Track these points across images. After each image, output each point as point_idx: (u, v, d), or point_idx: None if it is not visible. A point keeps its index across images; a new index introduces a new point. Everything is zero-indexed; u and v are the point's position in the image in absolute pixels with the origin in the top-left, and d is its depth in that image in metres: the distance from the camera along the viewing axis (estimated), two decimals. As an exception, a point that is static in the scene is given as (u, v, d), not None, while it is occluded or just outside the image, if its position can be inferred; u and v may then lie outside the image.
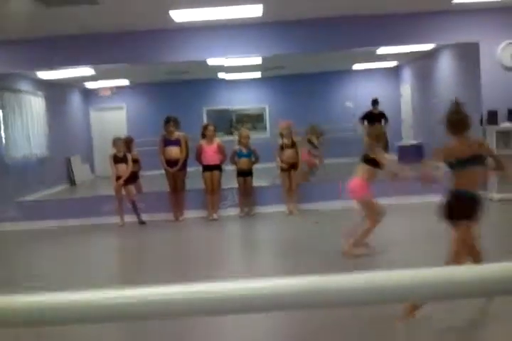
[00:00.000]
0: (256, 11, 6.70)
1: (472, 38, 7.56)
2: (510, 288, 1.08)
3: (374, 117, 10.43)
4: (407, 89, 11.68)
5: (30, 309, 1.10)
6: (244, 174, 7.49)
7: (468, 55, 7.97)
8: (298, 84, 11.55)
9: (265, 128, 11.98)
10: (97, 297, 1.10)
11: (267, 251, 5.92)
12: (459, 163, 3.34)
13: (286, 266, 4.96)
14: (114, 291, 1.11)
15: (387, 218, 5.07)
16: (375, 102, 10.49)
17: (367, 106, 10.92)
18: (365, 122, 10.40)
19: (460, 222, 3.30)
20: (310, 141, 8.46)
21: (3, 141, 8.56)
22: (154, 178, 8.58)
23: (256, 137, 10.64)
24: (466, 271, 1.11)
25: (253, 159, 7.54)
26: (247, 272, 4.84)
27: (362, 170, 4.99)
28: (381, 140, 5.05)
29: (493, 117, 7.44)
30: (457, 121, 3.51)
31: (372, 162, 4.92)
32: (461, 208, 3.32)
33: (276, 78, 11.62)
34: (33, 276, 5.06)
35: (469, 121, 3.53)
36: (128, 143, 7.81)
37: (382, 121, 10.39)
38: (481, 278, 1.08)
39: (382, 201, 5.41)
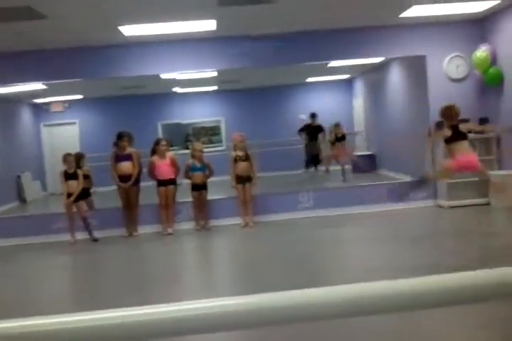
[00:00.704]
0: (210, 25, 6.71)
1: (419, 51, 7.78)
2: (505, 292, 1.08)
3: (312, 129, 10.81)
4: (359, 101, 11.91)
5: None
6: (199, 188, 7.44)
7: (416, 68, 8.22)
8: (253, 97, 11.64)
9: (221, 141, 11.99)
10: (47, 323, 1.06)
11: (224, 265, 5.88)
12: None
13: (246, 280, 4.91)
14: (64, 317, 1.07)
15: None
16: (313, 115, 10.99)
17: (321, 119, 11.10)
18: (304, 134, 10.83)
19: None
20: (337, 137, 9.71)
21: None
22: (108, 194, 8.43)
23: (212, 150, 10.66)
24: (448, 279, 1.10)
25: (207, 173, 7.50)
26: (206, 288, 4.76)
27: (465, 145, 5.64)
28: (452, 117, 5.73)
29: (440, 128, 7.63)
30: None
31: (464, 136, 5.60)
32: None
33: (232, 91, 11.69)
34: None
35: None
36: (78, 158, 7.64)
37: (320, 133, 10.82)
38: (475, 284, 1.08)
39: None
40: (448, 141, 5.65)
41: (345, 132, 10.42)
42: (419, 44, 7.72)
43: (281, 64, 7.96)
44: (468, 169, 5.74)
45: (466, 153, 5.58)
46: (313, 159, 11.05)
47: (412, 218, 7.18)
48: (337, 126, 10.38)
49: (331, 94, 12.29)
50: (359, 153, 11.38)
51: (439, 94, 7.73)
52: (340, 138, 10.28)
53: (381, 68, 10.24)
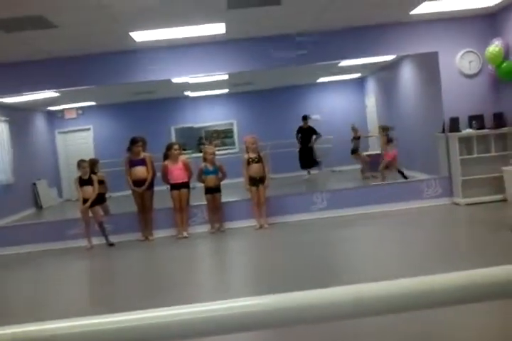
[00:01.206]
0: (219, 28, 6.73)
1: (431, 47, 7.72)
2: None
3: (304, 132, 10.80)
4: (371, 99, 11.83)
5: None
6: (212, 191, 7.45)
7: (429, 65, 8.13)
8: (265, 98, 11.62)
9: (234, 143, 11.99)
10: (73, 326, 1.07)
11: (240, 267, 5.87)
12: None
13: (263, 282, 4.89)
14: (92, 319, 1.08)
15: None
16: (304, 118, 11.01)
17: (334, 119, 11.06)
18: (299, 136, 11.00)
19: None
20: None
21: (-34, 167, 8.38)
22: (122, 199, 8.47)
23: (225, 152, 10.67)
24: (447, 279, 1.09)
25: (220, 175, 7.51)
26: (222, 290, 4.75)
27: None
28: None
29: (454, 124, 7.56)
30: None
31: None
32: None
33: (243, 94, 11.68)
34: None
35: None
36: (92, 164, 7.70)
37: (313, 135, 10.84)
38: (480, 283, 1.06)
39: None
40: None
41: (358, 135, 10.49)
42: (431, 40, 7.67)
43: (292, 65, 7.94)
44: None
45: None
46: (305, 162, 11.03)
47: (428, 216, 7.10)
48: (353, 129, 10.50)
49: (342, 94, 12.22)
50: (372, 153, 11.29)
51: (452, 90, 7.68)
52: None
53: (393, 66, 10.16)
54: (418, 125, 9.39)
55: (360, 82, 12.23)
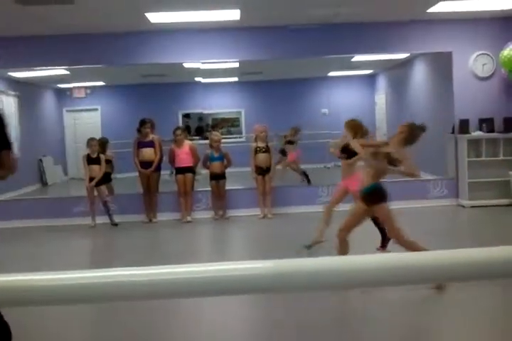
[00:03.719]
0: (233, 15, 6.72)
1: (445, 47, 7.71)
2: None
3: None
4: (381, 97, 11.83)
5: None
6: (217, 177, 7.48)
7: (442, 65, 8.13)
8: (274, 89, 11.60)
9: (241, 132, 12.00)
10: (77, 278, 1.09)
11: (240, 250, 5.95)
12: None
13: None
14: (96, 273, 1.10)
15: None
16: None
17: (342, 114, 11.02)
18: None
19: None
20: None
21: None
22: (128, 180, 8.50)
23: (231, 141, 10.67)
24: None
25: (225, 163, 7.54)
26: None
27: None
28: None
29: (464, 126, 7.58)
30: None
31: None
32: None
33: (253, 83, 11.66)
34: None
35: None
36: (103, 144, 7.73)
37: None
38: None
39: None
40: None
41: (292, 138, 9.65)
42: (446, 40, 7.66)
43: (305, 57, 7.95)
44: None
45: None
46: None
47: (432, 216, 7.14)
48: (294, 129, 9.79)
49: (352, 89, 12.21)
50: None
51: (464, 92, 7.69)
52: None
53: (405, 64, 10.15)
54: (428, 125, 9.36)
55: (371, 79, 12.22)
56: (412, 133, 4.04)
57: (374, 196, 3.95)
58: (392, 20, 7.42)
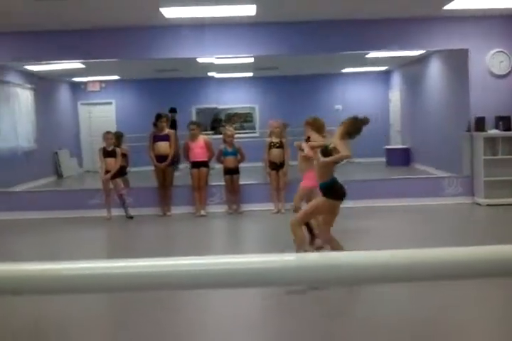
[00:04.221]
0: (249, 10, 6.72)
1: (462, 44, 7.67)
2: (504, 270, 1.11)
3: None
4: (396, 94, 11.80)
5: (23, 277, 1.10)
6: (231, 172, 7.52)
7: (458, 62, 8.09)
8: (289, 85, 11.61)
9: (254, 127, 12.02)
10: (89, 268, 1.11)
11: (254, 245, 5.97)
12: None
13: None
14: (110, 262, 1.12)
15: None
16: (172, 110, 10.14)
17: (356, 111, 11.00)
18: None
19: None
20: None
21: (-10, 132, 8.50)
22: (141, 174, 8.57)
23: (245, 136, 10.70)
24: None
25: (239, 157, 7.58)
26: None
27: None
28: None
29: (480, 124, 7.55)
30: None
31: None
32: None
33: (267, 78, 11.67)
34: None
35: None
36: (118, 137, 7.80)
37: None
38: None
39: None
40: None
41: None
42: (463, 37, 7.60)
43: (320, 52, 7.94)
44: None
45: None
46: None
47: (447, 214, 7.12)
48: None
49: (366, 86, 12.20)
50: (393, 147, 11.30)
51: (480, 89, 7.64)
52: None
53: (420, 61, 10.11)
54: (443, 122, 9.37)
55: (385, 75, 12.18)
56: (354, 126, 4.06)
57: (330, 191, 4.07)
58: (407, 16, 7.39)
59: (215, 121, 12.27)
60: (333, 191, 4.08)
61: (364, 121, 4.12)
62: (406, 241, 5.59)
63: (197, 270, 1.09)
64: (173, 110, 10.08)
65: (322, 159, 4.04)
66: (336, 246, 4.08)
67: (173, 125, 9.10)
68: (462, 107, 7.93)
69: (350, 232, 6.25)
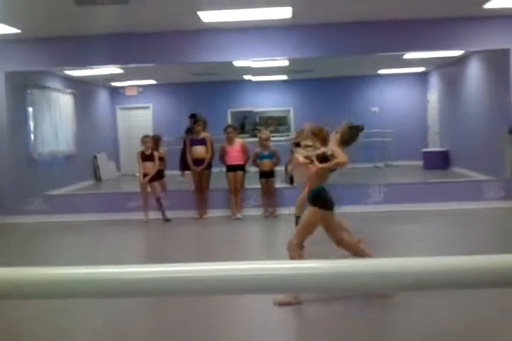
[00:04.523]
0: (285, 13, 6.72)
1: (502, 44, 7.47)
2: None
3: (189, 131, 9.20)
4: (434, 95, 11.60)
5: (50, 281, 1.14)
6: (267, 175, 7.52)
7: (499, 62, 7.90)
8: (324, 87, 11.55)
9: (289, 130, 12.00)
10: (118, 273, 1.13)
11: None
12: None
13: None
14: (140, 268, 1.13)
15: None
16: (192, 116, 9.77)
17: (394, 112, 10.88)
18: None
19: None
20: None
21: (32, 137, 8.73)
22: (177, 177, 8.67)
23: (279, 139, 10.69)
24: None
25: (274, 160, 7.57)
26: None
27: None
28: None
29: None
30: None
31: None
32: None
33: (301, 81, 11.65)
34: (52, 264, 5.12)
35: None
36: (156, 141, 7.91)
37: None
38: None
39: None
40: None
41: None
42: (503, 37, 7.40)
43: (356, 54, 7.85)
44: None
45: None
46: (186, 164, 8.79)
47: (486, 219, 6.93)
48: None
49: (404, 88, 12.03)
50: (431, 150, 11.10)
51: (523, 91, 7.44)
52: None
53: (460, 62, 9.92)
54: (483, 124, 9.15)
55: (423, 77, 12.00)
56: (348, 134, 3.96)
57: (319, 199, 3.93)
58: (446, 16, 7.25)
59: (250, 125, 12.31)
60: (323, 199, 3.92)
61: (359, 129, 4.03)
62: (443, 247, 5.48)
63: (232, 275, 1.10)
64: (193, 116, 9.97)
65: (319, 165, 3.94)
66: (296, 257, 3.89)
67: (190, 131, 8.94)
68: (503, 109, 7.73)
69: (386, 237, 6.18)
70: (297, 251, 3.95)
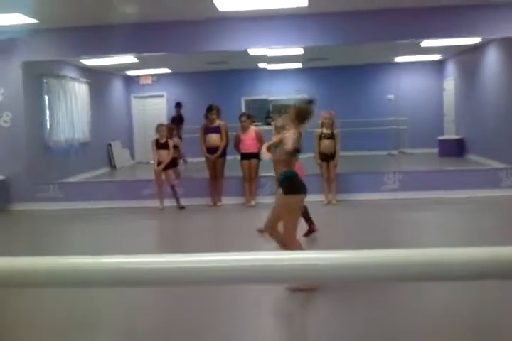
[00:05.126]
0: (302, 1, 6.66)
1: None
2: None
3: (175, 121, 10.07)
4: (450, 83, 11.47)
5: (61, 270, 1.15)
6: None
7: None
8: (338, 75, 11.48)
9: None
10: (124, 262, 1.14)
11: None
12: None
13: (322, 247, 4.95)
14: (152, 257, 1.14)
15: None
16: (177, 105, 10.25)
17: (409, 100, 10.78)
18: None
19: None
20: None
21: (48, 125, 8.80)
22: (193, 165, 8.70)
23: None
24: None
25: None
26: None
27: None
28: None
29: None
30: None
31: None
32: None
33: (316, 69, 11.57)
34: (68, 251, 5.19)
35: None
36: (170, 130, 7.94)
37: (181, 125, 10.03)
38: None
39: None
40: None
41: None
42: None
43: (372, 41, 7.77)
44: None
45: None
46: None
47: (503, 207, 6.87)
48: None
49: (420, 75, 11.90)
50: (447, 137, 11.00)
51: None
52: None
53: (477, 50, 9.77)
54: (500, 112, 9.03)
55: (439, 64, 11.86)
56: (299, 110, 3.94)
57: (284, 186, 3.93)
58: (464, 3, 7.14)
59: (262, 113, 12.28)
60: (288, 186, 3.90)
61: (309, 101, 4.02)
62: (457, 235, 5.45)
63: (254, 265, 1.12)
64: (178, 105, 10.06)
65: (266, 155, 4.06)
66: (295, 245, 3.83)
67: (180, 120, 9.00)
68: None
69: (401, 224, 6.16)
70: (295, 241, 3.95)
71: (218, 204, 7.57)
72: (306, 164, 8.12)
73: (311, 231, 5.46)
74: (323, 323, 3.39)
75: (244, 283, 1.18)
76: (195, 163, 8.66)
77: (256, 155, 7.53)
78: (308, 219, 5.47)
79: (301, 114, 3.95)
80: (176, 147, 7.88)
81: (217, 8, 6.76)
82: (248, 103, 12.15)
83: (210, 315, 3.54)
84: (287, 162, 3.96)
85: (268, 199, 7.57)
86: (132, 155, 11.70)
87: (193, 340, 3.20)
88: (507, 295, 3.55)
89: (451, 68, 11.75)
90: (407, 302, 3.62)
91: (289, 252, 1.17)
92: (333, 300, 3.69)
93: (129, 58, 8.95)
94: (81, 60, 9.33)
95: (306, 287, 3.79)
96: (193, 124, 8.29)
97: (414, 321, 3.30)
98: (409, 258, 1.10)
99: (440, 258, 1.10)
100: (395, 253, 1.12)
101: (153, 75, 12.02)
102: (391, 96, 10.82)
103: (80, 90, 10.01)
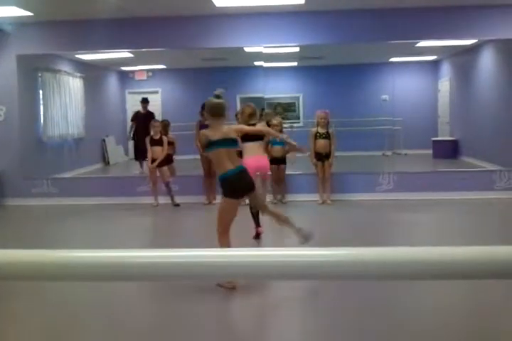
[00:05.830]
0: (299, -1, 6.66)
1: (517, 34, 7.40)
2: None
3: (142, 118, 9.38)
4: (445, 84, 11.51)
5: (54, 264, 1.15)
6: (278, 162, 7.51)
7: (512, 52, 7.83)
8: (334, 74, 11.48)
9: (298, 117, 11.95)
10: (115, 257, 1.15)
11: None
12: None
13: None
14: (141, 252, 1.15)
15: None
16: (144, 101, 9.84)
17: (404, 101, 10.81)
18: (133, 124, 9.64)
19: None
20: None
21: (42, 120, 8.74)
22: (186, 162, 8.66)
23: (289, 126, 10.66)
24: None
25: (286, 147, 7.54)
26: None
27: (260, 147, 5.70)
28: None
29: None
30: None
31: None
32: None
33: (312, 68, 11.58)
34: (60, 246, 5.16)
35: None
36: (165, 126, 7.90)
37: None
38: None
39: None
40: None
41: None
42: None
43: (367, 41, 7.80)
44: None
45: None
46: (140, 152, 8.82)
47: (496, 209, 6.92)
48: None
49: (415, 76, 11.94)
50: (441, 139, 11.05)
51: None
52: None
53: (472, 51, 9.81)
54: (495, 114, 9.08)
55: (434, 65, 11.89)
56: (208, 105, 4.02)
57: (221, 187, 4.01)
58: (460, 4, 7.17)
59: (258, 110, 12.26)
60: (223, 187, 3.97)
61: (215, 97, 4.04)
62: (450, 236, 5.48)
63: (254, 261, 1.11)
64: (144, 100, 9.87)
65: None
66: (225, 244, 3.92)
67: (150, 117, 8.87)
68: (516, 99, 7.67)
69: (395, 225, 6.19)
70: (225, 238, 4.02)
71: (213, 202, 7.54)
72: (300, 163, 8.15)
73: (257, 234, 5.39)
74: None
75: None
76: (188, 160, 8.63)
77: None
78: (256, 221, 5.41)
79: (211, 108, 3.99)
80: (171, 143, 7.85)
81: (214, 4, 6.74)
82: (243, 100, 12.12)
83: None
84: (215, 162, 4.00)
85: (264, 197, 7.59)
86: (126, 152, 11.64)
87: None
88: (507, 295, 3.58)
89: (446, 69, 11.80)
90: (406, 301, 3.64)
91: (282, 249, 1.18)
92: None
93: (125, 53, 8.90)
94: (76, 55, 9.26)
95: (227, 285, 3.79)
96: (187, 121, 8.24)
97: (414, 321, 3.32)
98: (407, 256, 1.11)
99: (439, 257, 1.11)
100: (394, 251, 1.13)
101: (148, 71, 11.96)
102: (385, 97, 10.84)
103: (74, 85, 9.94)
